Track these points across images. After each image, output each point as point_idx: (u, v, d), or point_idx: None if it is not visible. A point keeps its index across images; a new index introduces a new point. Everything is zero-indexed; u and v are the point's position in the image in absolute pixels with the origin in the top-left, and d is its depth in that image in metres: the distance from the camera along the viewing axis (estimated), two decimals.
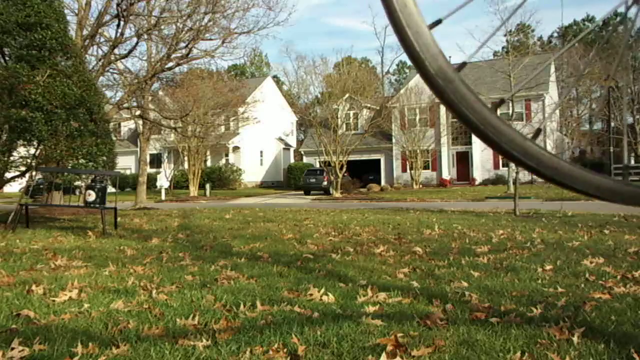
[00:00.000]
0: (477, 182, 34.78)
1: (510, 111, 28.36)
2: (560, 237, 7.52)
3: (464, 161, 36.48)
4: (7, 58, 10.44)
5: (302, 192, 32.73)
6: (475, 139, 34.87)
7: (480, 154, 35.20)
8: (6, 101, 9.44)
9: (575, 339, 2.82)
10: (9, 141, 9.73)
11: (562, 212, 11.49)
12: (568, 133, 38.88)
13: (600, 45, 38.08)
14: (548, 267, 5.01)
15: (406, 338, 2.88)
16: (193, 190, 32.80)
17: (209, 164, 39.80)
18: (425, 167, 36.15)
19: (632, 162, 41.29)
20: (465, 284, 4.32)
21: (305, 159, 42.13)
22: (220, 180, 38.71)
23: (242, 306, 3.60)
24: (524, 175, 28.62)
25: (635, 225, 9.11)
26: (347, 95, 34.12)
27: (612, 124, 30.10)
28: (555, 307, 3.53)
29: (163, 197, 29.78)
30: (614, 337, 2.85)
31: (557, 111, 34.63)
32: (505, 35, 28.81)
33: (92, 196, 9.37)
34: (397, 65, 72.06)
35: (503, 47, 44.65)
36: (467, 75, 37.04)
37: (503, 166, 33.23)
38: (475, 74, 36.71)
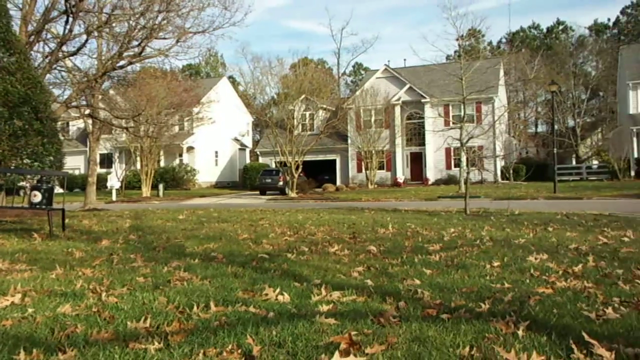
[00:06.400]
0: (430, 182, 35.55)
1: (462, 113, 29.13)
2: (507, 234, 7.79)
3: (417, 161, 37.22)
4: None
5: (258, 192, 32.54)
6: (429, 140, 35.64)
7: (434, 154, 36.00)
8: None
9: (520, 332, 2.94)
10: None
11: (509, 211, 11.91)
12: (516, 135, 40.32)
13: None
14: (496, 264, 5.19)
15: (360, 336, 2.92)
16: (145, 190, 32.06)
17: (162, 164, 38.99)
18: (380, 168, 36.67)
19: (574, 162, 43.30)
20: (418, 282, 4.42)
21: (261, 160, 41.91)
22: (174, 180, 38.01)
23: (195, 307, 3.56)
24: (475, 176, 29.52)
25: (576, 222, 9.56)
26: (303, 96, 34.18)
27: (556, 127, 31.42)
28: (502, 302, 3.66)
29: (114, 197, 28.95)
30: (556, 329, 2.99)
31: (506, 114, 35.82)
32: (457, 39, 29.58)
33: (37, 197, 9.00)
34: (353, 66, 72.79)
35: (455, 51, 45.87)
36: (422, 78, 37.81)
37: (455, 166, 34.11)
38: (428, 77, 37.50)
